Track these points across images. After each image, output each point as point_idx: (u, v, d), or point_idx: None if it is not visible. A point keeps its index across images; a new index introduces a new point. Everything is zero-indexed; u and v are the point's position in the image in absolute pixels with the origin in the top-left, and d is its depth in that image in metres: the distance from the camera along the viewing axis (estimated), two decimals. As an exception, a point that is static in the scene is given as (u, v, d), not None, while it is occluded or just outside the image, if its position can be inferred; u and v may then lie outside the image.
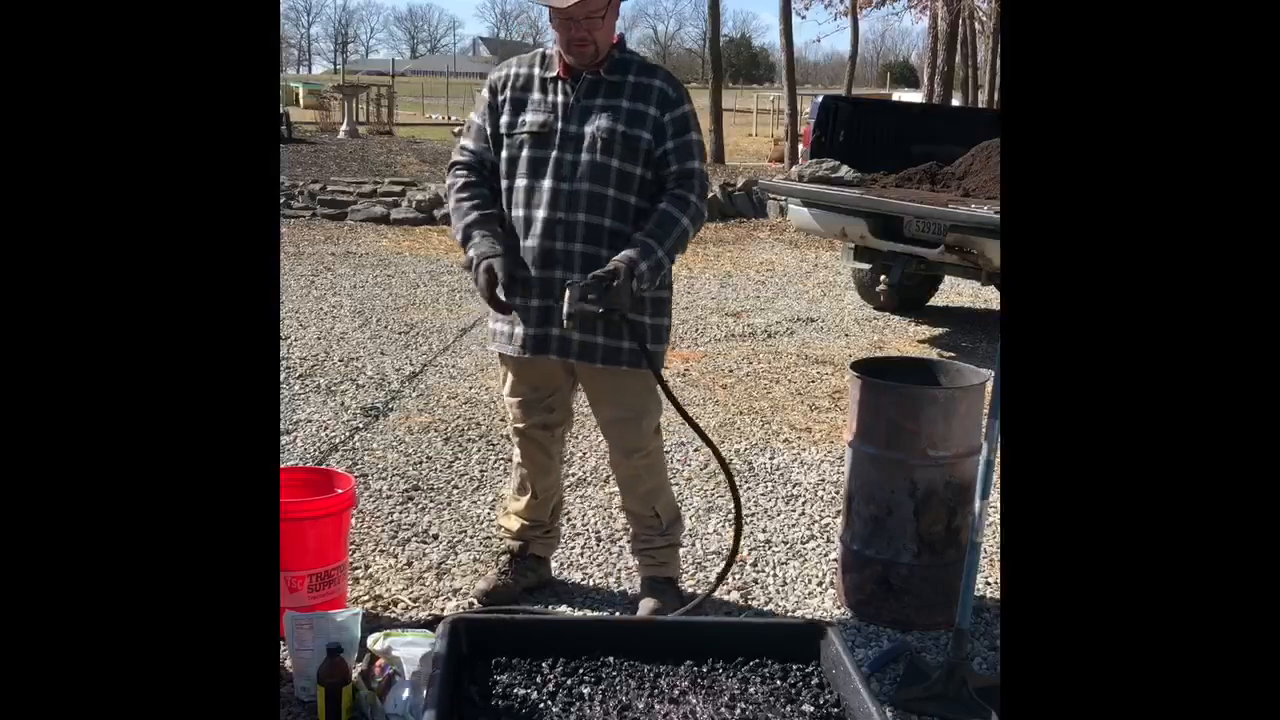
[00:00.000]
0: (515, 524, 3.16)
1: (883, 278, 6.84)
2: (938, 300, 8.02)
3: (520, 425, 3.03)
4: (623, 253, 2.68)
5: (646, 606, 3.05)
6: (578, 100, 2.79)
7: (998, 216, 5.14)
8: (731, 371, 5.86)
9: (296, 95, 27.93)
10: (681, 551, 3.25)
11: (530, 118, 2.82)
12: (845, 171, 6.88)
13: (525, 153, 2.81)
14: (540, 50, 2.94)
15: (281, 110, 15.45)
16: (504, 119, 2.85)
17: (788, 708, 2.22)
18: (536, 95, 2.83)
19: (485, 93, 2.92)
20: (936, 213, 6.04)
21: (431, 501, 3.84)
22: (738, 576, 3.37)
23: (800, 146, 8.66)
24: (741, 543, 3.60)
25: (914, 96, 22.25)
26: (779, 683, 2.31)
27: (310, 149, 14.08)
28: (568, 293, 2.62)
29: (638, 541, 3.12)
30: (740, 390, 5.51)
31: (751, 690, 2.28)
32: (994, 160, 6.59)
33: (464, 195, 2.86)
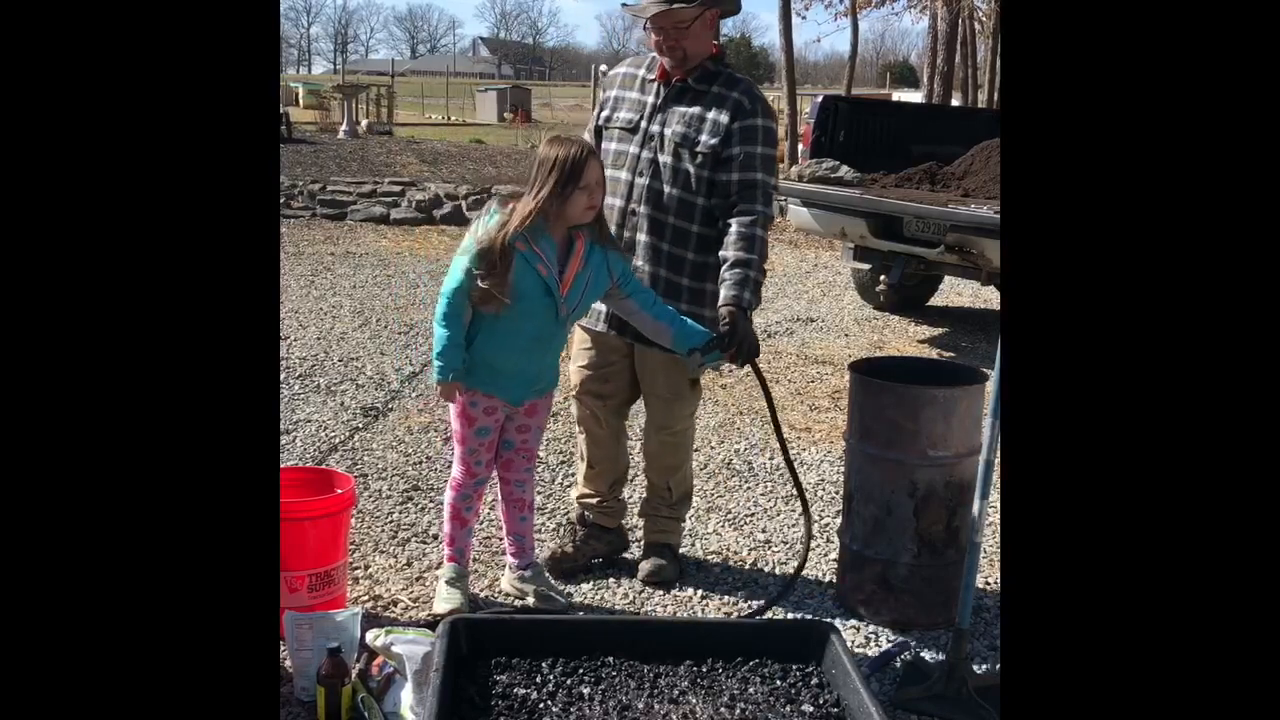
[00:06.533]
0: (576, 493, 3.45)
1: (883, 278, 6.84)
2: (938, 300, 8.02)
3: (577, 391, 3.29)
4: (724, 293, 2.87)
5: (645, 568, 3.28)
6: (664, 103, 3.04)
7: (998, 216, 5.14)
8: (732, 371, 5.85)
9: (296, 95, 27.91)
10: (681, 552, 3.43)
11: (623, 114, 3.11)
12: (845, 171, 6.87)
13: (614, 145, 3.10)
14: (652, 54, 3.13)
15: (281, 110, 15.43)
16: (605, 113, 3.16)
17: (788, 708, 2.22)
18: (634, 94, 3.12)
19: (604, 88, 3.26)
20: (936, 213, 6.04)
21: (431, 501, 3.84)
22: (738, 576, 3.37)
23: (800, 146, 8.65)
24: (742, 543, 3.61)
25: (914, 96, 22.23)
26: (779, 683, 2.31)
27: (310, 149, 14.07)
28: (688, 358, 2.87)
29: (647, 506, 3.37)
30: (740, 390, 5.51)
31: (751, 690, 2.28)
32: (994, 160, 6.59)
33: None
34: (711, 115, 2.97)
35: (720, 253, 2.93)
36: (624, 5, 3.08)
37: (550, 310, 2.81)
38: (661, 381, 3.17)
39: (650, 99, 3.06)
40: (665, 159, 3.00)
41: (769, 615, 3.09)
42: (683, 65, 3.00)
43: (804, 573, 3.40)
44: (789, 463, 3.10)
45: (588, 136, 3.21)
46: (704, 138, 2.96)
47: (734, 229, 2.91)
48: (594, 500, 3.37)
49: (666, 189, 3.01)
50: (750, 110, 2.96)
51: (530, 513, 3.14)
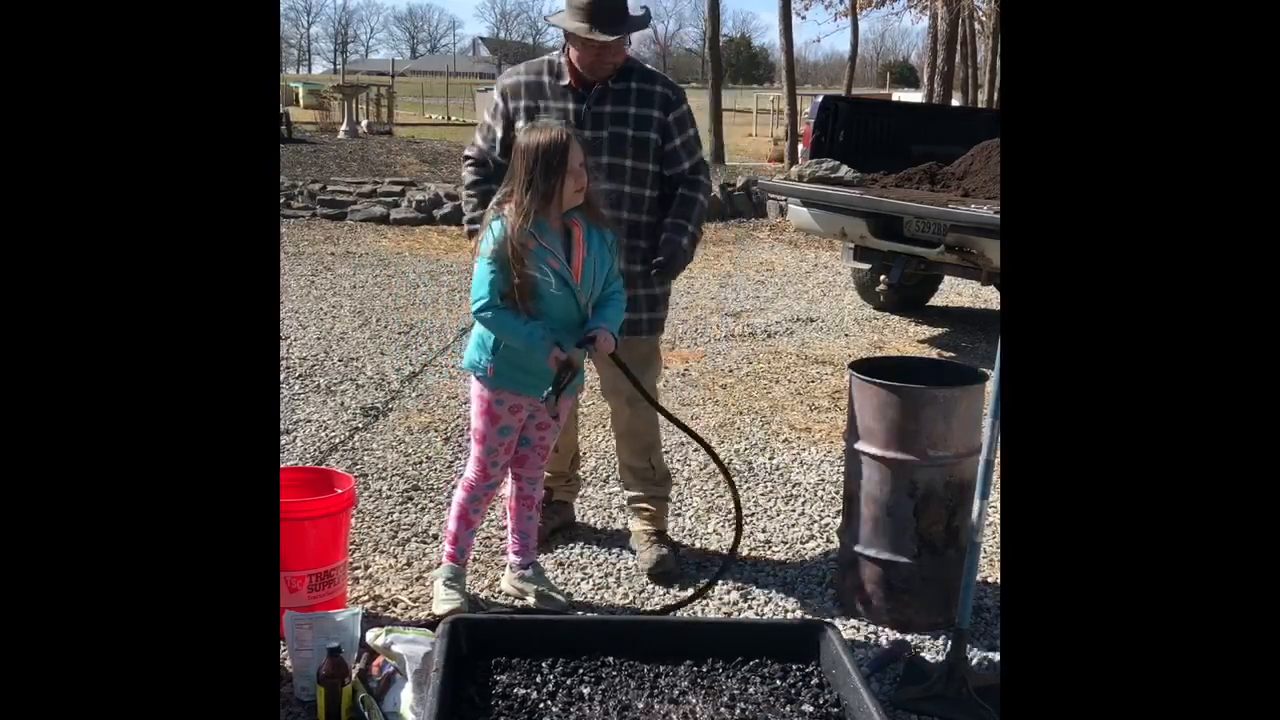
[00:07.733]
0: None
1: (883, 278, 6.84)
2: (938, 300, 8.02)
3: None
4: (665, 236, 3.12)
5: (647, 559, 3.32)
6: (589, 108, 3.11)
7: (998, 216, 5.14)
8: (731, 371, 5.85)
9: (296, 95, 27.87)
10: (681, 552, 3.46)
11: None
12: (845, 171, 6.87)
13: None
14: (546, 59, 3.21)
15: (281, 110, 15.42)
16: (519, 124, 3.10)
17: (788, 708, 2.22)
18: (551, 103, 3.14)
19: (497, 97, 3.24)
20: (936, 213, 6.04)
21: (431, 501, 3.84)
22: (738, 576, 3.37)
23: (800, 146, 8.65)
24: (742, 543, 3.61)
25: (914, 96, 22.23)
26: (779, 683, 2.31)
27: (310, 149, 14.07)
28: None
29: (634, 493, 3.46)
30: (740, 390, 5.51)
31: (751, 690, 2.28)
32: (994, 160, 6.58)
33: (471, 191, 3.27)
34: (645, 112, 3.13)
35: (666, 216, 3.16)
36: (561, 28, 3.06)
37: (570, 301, 2.80)
38: (626, 357, 3.09)
39: (572, 105, 3.12)
40: (610, 160, 3.09)
41: (769, 615, 3.09)
42: (608, 77, 3.11)
43: (803, 572, 3.40)
44: (695, 436, 3.15)
45: (478, 143, 3.25)
46: (645, 133, 3.12)
47: (681, 193, 3.17)
48: (559, 481, 3.58)
49: (615, 187, 3.10)
50: (676, 100, 3.18)
51: (537, 511, 3.14)
